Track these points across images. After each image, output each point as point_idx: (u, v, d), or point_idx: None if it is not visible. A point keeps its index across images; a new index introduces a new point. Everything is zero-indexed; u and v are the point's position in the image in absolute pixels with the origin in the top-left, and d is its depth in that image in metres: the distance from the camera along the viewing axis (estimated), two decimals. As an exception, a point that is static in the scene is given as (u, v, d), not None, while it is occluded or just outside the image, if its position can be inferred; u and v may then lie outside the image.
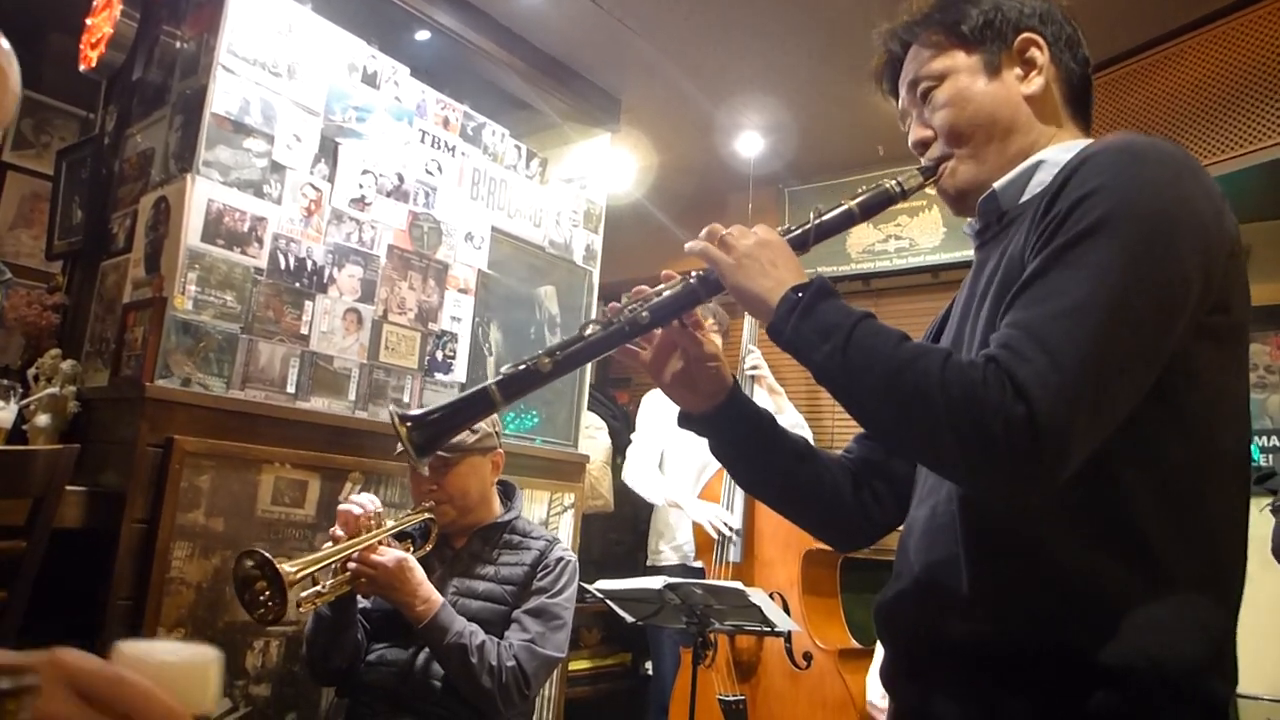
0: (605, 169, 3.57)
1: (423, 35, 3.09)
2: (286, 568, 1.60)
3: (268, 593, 1.63)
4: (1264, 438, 3.02)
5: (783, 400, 3.36)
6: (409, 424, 1.04)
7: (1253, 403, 3.05)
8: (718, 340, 3.35)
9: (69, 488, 1.89)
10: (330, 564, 1.73)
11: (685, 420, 1.18)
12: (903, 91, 1.15)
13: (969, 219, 1.13)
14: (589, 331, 1.07)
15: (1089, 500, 0.88)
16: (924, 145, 1.12)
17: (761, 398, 3.34)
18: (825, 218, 1.09)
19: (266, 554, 1.63)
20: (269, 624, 1.69)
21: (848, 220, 1.09)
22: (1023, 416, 0.79)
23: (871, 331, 0.91)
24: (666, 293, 1.07)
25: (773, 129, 3.82)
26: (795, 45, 3.15)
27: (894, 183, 1.09)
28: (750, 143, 3.92)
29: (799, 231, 1.08)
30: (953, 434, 0.82)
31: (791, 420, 3.35)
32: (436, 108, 2.79)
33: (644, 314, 1.06)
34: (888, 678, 1.07)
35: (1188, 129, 2.89)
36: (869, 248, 4.15)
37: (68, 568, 2.01)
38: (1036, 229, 0.91)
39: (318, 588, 1.73)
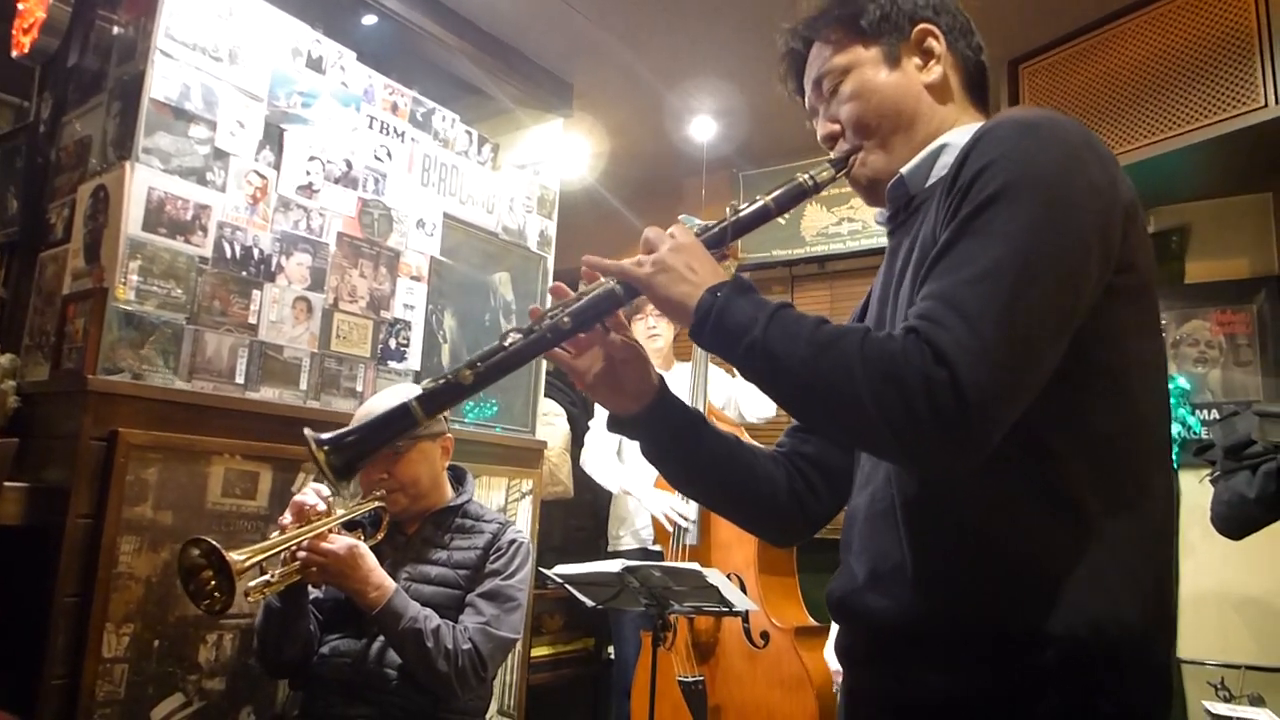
0: (558, 154, 3.55)
1: (369, 19, 3.04)
2: (234, 556, 1.58)
3: (214, 582, 1.61)
4: (1204, 411, 3.10)
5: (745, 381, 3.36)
6: (325, 448, 1.01)
7: (1194, 377, 3.16)
8: (669, 329, 3.35)
9: (9, 484, 1.85)
10: (279, 553, 1.71)
11: (614, 424, 1.17)
12: (808, 89, 1.18)
13: (880, 209, 1.15)
14: (509, 341, 1.05)
15: (1020, 470, 0.89)
16: (832, 139, 1.15)
17: (717, 395, 3.34)
18: (741, 214, 1.09)
19: (213, 543, 1.61)
20: (215, 614, 1.67)
21: (763, 216, 1.10)
22: (945, 382, 0.80)
23: (789, 319, 0.92)
24: (587, 297, 1.06)
25: (725, 113, 3.83)
26: (747, 29, 3.16)
27: (807, 177, 1.11)
28: (703, 127, 3.93)
29: (716, 230, 1.08)
30: (877, 408, 0.83)
31: (758, 401, 3.37)
32: (384, 93, 2.76)
33: (565, 320, 1.04)
34: (843, 660, 1.09)
35: (1126, 111, 2.95)
36: (823, 230, 4.19)
37: (11, 565, 1.97)
38: (943, 205, 0.94)
39: (266, 577, 1.71)
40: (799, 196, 1.11)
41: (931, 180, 1.06)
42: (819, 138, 1.17)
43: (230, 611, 2.16)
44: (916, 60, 1.11)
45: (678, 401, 1.18)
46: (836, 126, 1.14)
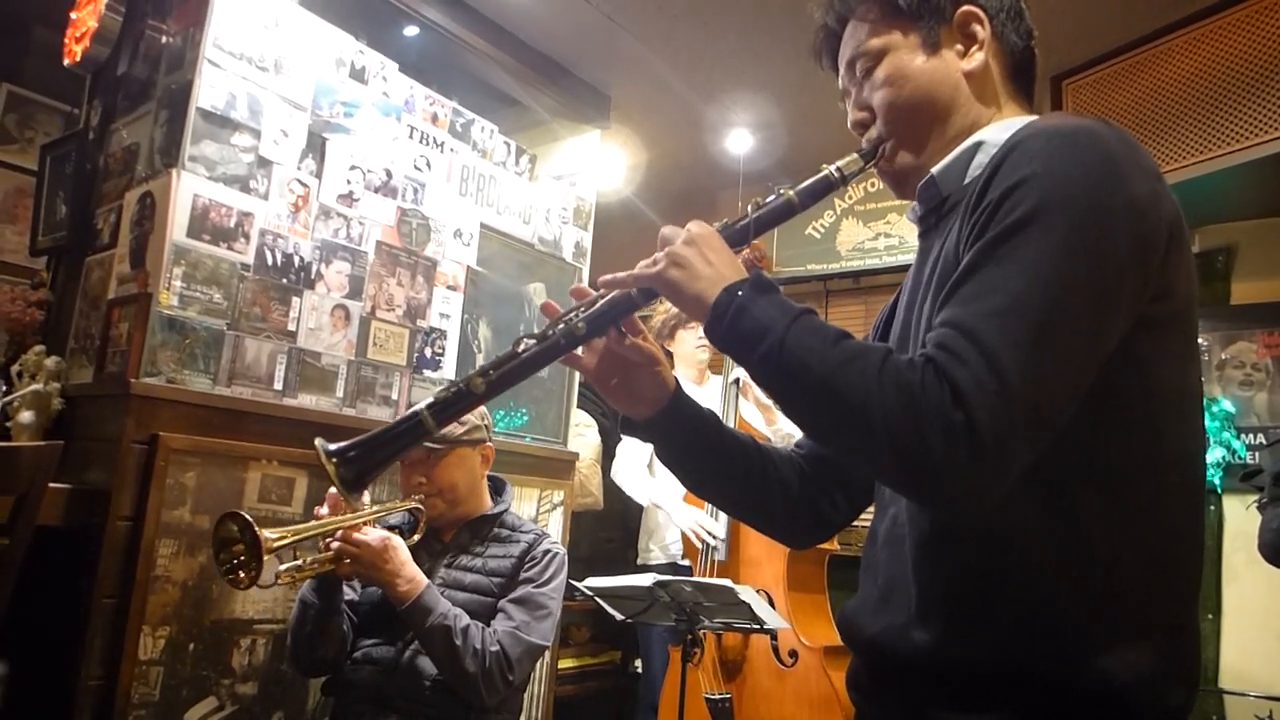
0: (595, 166, 3.57)
1: (411, 30, 3.08)
2: (267, 534, 1.60)
3: (244, 557, 1.63)
4: (1249, 435, 3.03)
5: (773, 412, 3.29)
6: (335, 459, 0.98)
7: (1239, 400, 3.09)
8: (692, 337, 3.31)
9: (53, 485, 1.87)
10: (313, 537, 1.73)
11: (628, 427, 1.14)
12: (841, 69, 1.11)
13: (912, 206, 1.09)
14: (523, 348, 1.02)
15: (1030, 508, 0.84)
16: (862, 126, 1.09)
17: (749, 409, 3.31)
18: (764, 209, 1.04)
19: (248, 517, 1.63)
20: (242, 589, 1.69)
21: (787, 210, 1.04)
22: (961, 424, 0.75)
23: (809, 329, 0.86)
24: (602, 301, 1.03)
25: (762, 126, 3.83)
26: (784, 43, 3.15)
27: (834, 169, 1.05)
28: (740, 140, 3.93)
29: (739, 226, 1.02)
30: (889, 441, 0.78)
31: (785, 430, 3.30)
32: (425, 103, 2.78)
33: (580, 325, 1.01)
34: (849, 685, 1.05)
35: (1173, 129, 2.90)
36: (858, 245, 4.16)
37: (52, 566, 2.00)
38: (969, 221, 0.88)
39: (297, 562, 1.72)
40: (825, 189, 1.06)
41: (967, 179, 0.99)
42: (849, 124, 1.11)
43: (263, 617, 2.19)
44: (958, 46, 1.03)
45: (693, 405, 1.14)
46: (866, 114, 1.07)
